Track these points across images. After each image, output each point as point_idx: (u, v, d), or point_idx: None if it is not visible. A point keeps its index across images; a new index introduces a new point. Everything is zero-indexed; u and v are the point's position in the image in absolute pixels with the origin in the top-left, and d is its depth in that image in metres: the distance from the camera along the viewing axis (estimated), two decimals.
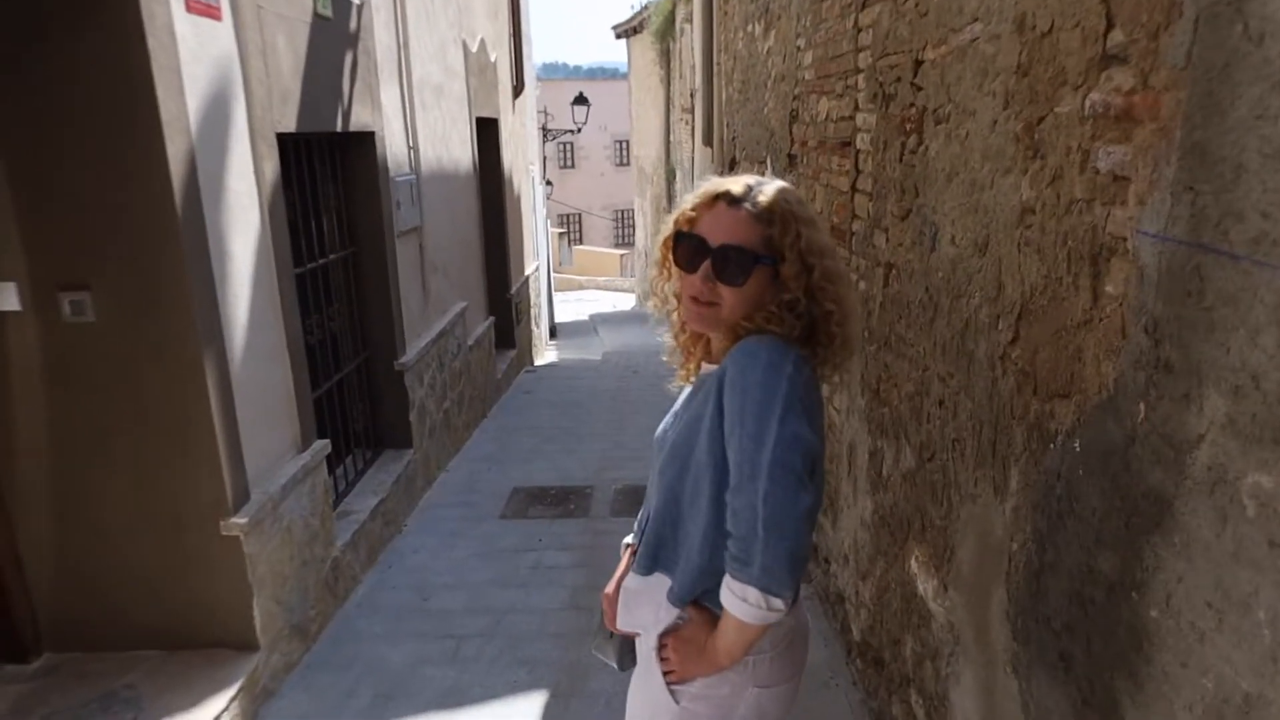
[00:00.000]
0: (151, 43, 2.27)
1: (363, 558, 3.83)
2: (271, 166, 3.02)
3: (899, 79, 2.35)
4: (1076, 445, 1.33)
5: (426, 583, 3.80)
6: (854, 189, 2.82)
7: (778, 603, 1.19)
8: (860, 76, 2.72)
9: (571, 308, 17.50)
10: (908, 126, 2.30)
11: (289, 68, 3.18)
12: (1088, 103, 1.31)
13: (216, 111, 2.65)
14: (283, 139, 3.25)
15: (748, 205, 1.31)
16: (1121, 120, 1.21)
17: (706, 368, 1.44)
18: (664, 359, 1.59)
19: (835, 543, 3.21)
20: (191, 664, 2.71)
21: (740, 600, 1.21)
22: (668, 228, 1.39)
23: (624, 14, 15.90)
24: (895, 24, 2.36)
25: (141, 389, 2.55)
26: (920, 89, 2.19)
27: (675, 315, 1.48)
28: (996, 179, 1.74)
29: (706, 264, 1.31)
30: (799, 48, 3.64)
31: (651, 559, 1.45)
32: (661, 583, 1.43)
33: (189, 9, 2.48)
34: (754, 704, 1.38)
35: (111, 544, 2.70)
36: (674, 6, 12.81)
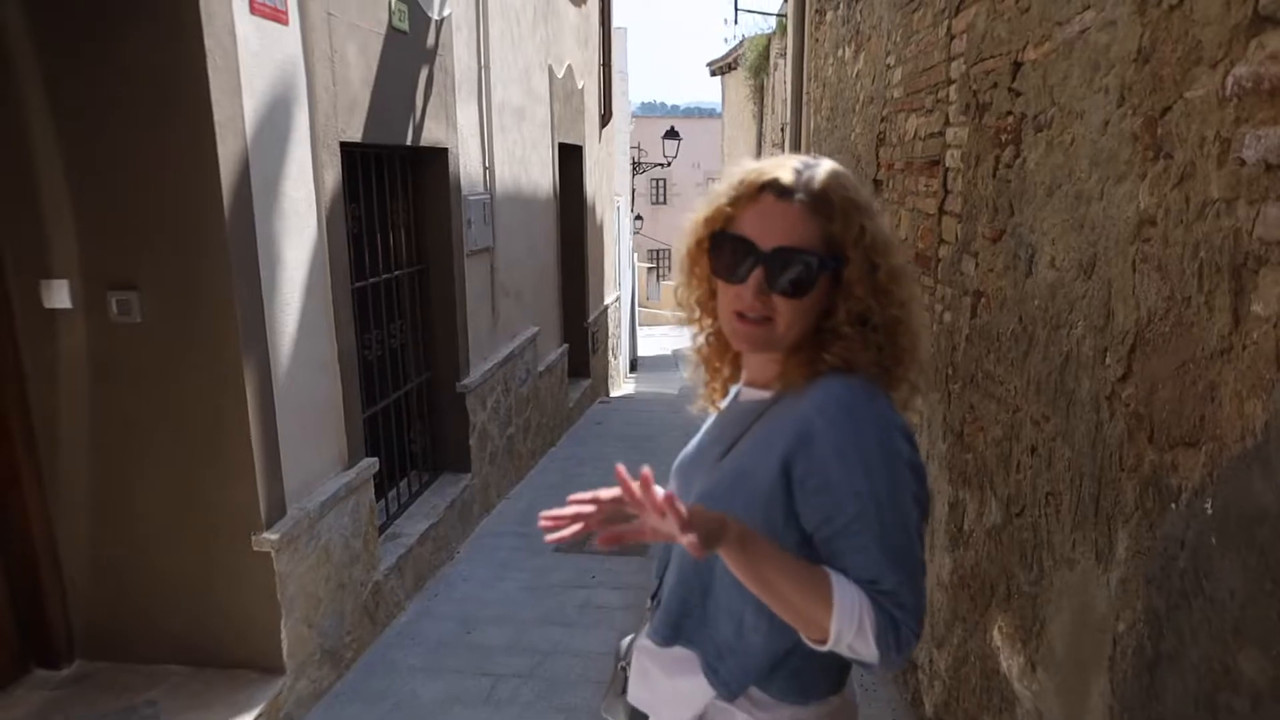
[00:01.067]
0: (209, 41, 2.24)
1: (408, 584, 3.70)
2: (333, 175, 2.97)
3: (995, 85, 2.10)
4: (1208, 507, 1.05)
5: (471, 615, 3.64)
6: (941, 211, 2.56)
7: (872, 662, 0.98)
8: (952, 88, 2.48)
9: (656, 342, 17.40)
10: (1003, 138, 2.04)
11: (358, 77, 3.15)
12: (1230, 80, 1.05)
13: (276, 116, 2.61)
14: (350, 149, 3.21)
15: (801, 196, 1.05)
16: (1279, 94, 0.95)
17: (750, 394, 1.18)
18: (685, 377, 1.36)
19: None
20: (214, 684, 2.60)
21: (858, 631, 0.96)
22: (697, 225, 1.14)
23: (720, 52, 15.94)
24: (992, 25, 2.12)
25: (182, 392, 2.49)
26: (1019, 94, 1.94)
27: (698, 327, 1.25)
28: (1108, 188, 1.48)
29: (759, 273, 1.04)
30: (888, 65, 3.41)
31: (673, 628, 1.20)
32: (685, 661, 1.18)
33: (253, 10, 2.45)
34: None
35: (147, 550, 2.64)
36: (769, 42, 12.74)
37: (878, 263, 1.06)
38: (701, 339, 1.25)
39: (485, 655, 3.29)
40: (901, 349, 1.08)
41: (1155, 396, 1.25)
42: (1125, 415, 1.37)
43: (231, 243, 2.38)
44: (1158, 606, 1.20)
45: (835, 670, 1.14)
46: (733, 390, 1.25)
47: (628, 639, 1.39)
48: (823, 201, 1.05)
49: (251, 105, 2.46)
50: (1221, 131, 1.07)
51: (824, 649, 0.98)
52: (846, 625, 0.95)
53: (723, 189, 1.11)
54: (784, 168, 1.08)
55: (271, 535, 2.56)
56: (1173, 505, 1.17)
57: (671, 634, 1.20)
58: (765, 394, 1.15)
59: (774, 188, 1.07)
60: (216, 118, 2.28)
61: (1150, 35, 1.31)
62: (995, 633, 2.01)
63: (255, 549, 2.56)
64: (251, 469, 2.51)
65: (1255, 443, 0.95)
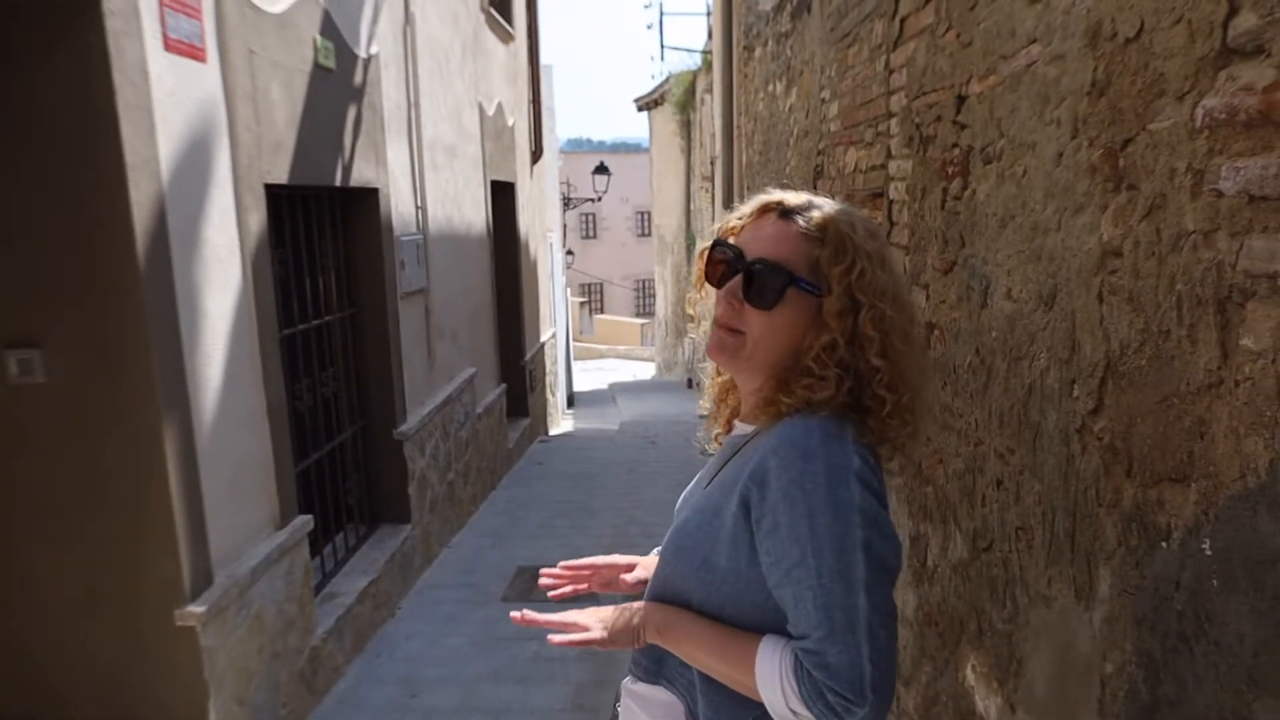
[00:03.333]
0: (118, 78, 2.09)
1: (348, 646, 3.49)
2: (258, 219, 2.82)
3: (938, 118, 2.11)
4: (1206, 547, 1.02)
5: (416, 675, 3.45)
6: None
7: None
8: (893, 121, 2.49)
9: (591, 376, 17.29)
10: (950, 170, 2.05)
11: (283, 117, 3.01)
12: (1200, 112, 1.04)
13: (194, 157, 2.46)
14: (275, 191, 3.06)
15: (800, 220, 1.05)
16: (1258, 125, 0.94)
17: (739, 427, 1.15)
18: (700, 414, 1.30)
19: None
20: None
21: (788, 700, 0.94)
22: (711, 236, 1.15)
23: (646, 88, 16.20)
24: (933, 59, 2.14)
25: (94, 457, 2.29)
26: (964, 127, 1.95)
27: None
28: (1065, 219, 1.47)
29: (737, 280, 1.05)
30: (823, 100, 3.44)
31: (657, 664, 1.16)
32: (669, 705, 1.14)
33: (167, 47, 2.31)
34: None
35: (58, 632, 2.41)
36: (694, 78, 12.96)
37: (862, 301, 1.01)
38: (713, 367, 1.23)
39: None
40: (879, 400, 1.03)
41: (1134, 430, 1.23)
42: (1099, 449, 1.35)
43: (147, 293, 2.22)
44: (1151, 649, 1.17)
45: None
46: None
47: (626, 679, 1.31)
48: (818, 228, 1.05)
49: (168, 146, 2.31)
50: (1194, 163, 1.05)
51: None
52: (773, 694, 0.95)
53: (743, 208, 1.14)
54: (799, 196, 1.09)
55: (196, 608, 2.37)
56: (1163, 544, 1.13)
57: (654, 670, 1.16)
58: (749, 428, 1.12)
59: (778, 208, 1.09)
60: (128, 160, 2.13)
61: (1105, 68, 1.31)
62: (968, 671, 1.96)
63: (179, 623, 2.36)
64: (173, 537, 2.32)
65: (1259, 482, 0.92)
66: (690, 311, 1.29)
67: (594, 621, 1.12)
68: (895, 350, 1.02)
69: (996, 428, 1.78)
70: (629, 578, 1.30)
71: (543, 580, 1.28)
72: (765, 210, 1.10)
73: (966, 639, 1.97)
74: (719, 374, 1.24)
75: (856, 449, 0.98)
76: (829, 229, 1.03)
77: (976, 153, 1.88)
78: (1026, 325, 1.63)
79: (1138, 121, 1.21)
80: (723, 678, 1.02)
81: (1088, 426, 1.39)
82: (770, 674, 0.95)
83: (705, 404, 1.31)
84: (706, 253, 1.12)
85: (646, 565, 1.31)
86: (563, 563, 1.30)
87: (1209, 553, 1.02)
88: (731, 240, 1.11)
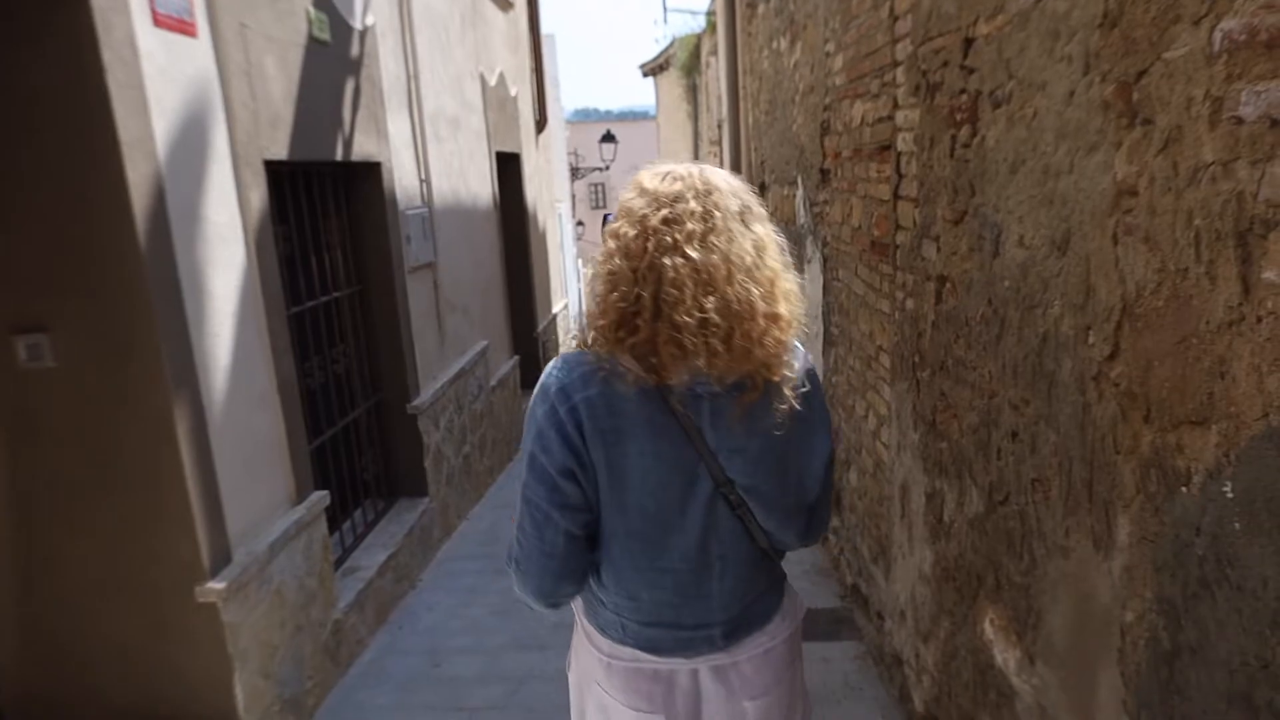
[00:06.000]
0: (107, 55, 2.06)
1: (370, 619, 3.53)
2: (259, 196, 2.80)
3: (945, 64, 2.04)
4: (1228, 490, 0.99)
5: (439, 646, 3.48)
6: (896, 196, 2.51)
7: None
8: (899, 70, 2.43)
9: None
10: (958, 117, 1.99)
11: (280, 91, 2.98)
12: (1218, 35, 0.99)
13: (191, 135, 2.44)
14: (276, 168, 3.04)
15: None
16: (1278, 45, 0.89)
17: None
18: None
19: (889, 596, 2.83)
20: None
21: None
22: None
23: (651, 54, 15.97)
24: (938, 2, 2.07)
25: (108, 441, 2.30)
26: (972, 71, 1.89)
27: None
28: (1078, 160, 1.42)
29: None
30: (828, 53, 3.36)
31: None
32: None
33: (157, 23, 2.28)
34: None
35: (81, 612, 2.44)
36: (699, 41, 12.73)
37: None
38: None
39: (456, 688, 3.14)
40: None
41: (1151, 374, 1.19)
42: (1116, 395, 1.31)
43: (149, 273, 2.21)
44: (1172, 595, 1.14)
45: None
46: None
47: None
48: None
49: (162, 125, 2.29)
50: (1211, 90, 1.01)
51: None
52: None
53: None
54: None
55: (216, 585, 2.39)
56: (1182, 488, 1.10)
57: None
58: None
59: None
60: (122, 138, 2.11)
61: None
62: (986, 625, 1.95)
63: (200, 600, 2.38)
64: (189, 516, 2.33)
65: None
66: None
67: None
68: None
69: (1010, 379, 1.74)
70: None
71: None
72: None
73: (984, 593, 1.95)
74: None
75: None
76: None
77: (985, 97, 1.82)
78: (1039, 272, 1.59)
79: (1152, 51, 1.16)
80: None
81: (1104, 373, 1.35)
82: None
83: None
84: None
85: None
86: None
87: (1231, 495, 0.99)
88: None
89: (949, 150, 2.04)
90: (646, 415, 1.20)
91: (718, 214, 1.19)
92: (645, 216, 1.19)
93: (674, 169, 1.26)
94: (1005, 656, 1.83)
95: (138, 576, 2.39)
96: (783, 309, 1.22)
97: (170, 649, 2.43)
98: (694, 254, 1.15)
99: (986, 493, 1.92)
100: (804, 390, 1.27)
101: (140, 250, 2.17)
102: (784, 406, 1.23)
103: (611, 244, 1.22)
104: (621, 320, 1.18)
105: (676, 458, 1.23)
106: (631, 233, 1.19)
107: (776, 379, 1.22)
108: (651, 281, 1.16)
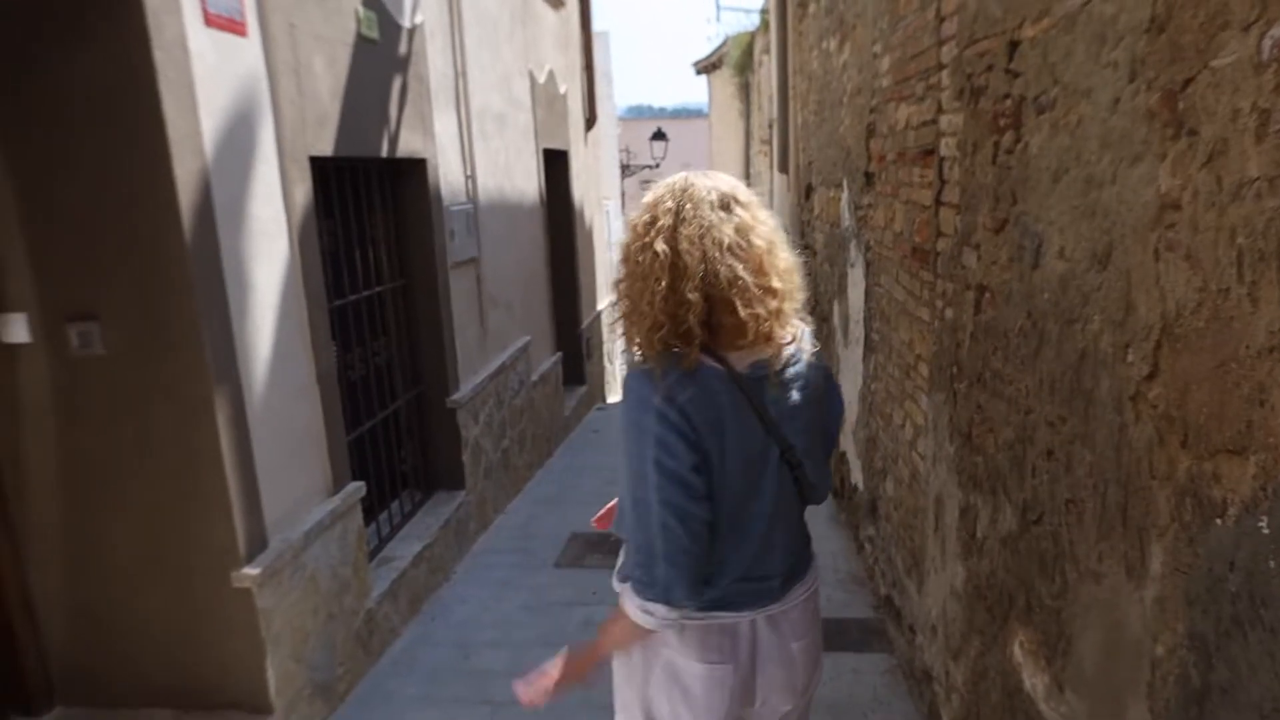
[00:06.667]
0: (159, 55, 2.12)
1: (403, 609, 3.58)
2: (304, 191, 2.85)
3: (990, 67, 1.98)
4: (1264, 525, 0.94)
5: (469, 638, 3.52)
6: (938, 202, 2.45)
7: None
8: (944, 73, 2.37)
9: None
10: (1002, 122, 1.93)
11: (327, 89, 3.03)
12: (1268, 43, 0.94)
13: (238, 132, 2.49)
14: (321, 164, 3.09)
15: None
16: None
17: None
18: None
19: (922, 610, 2.77)
20: None
21: None
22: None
23: (705, 51, 15.89)
24: (984, 4, 2.01)
25: (151, 427, 2.37)
26: (1017, 75, 1.83)
27: None
28: (1121, 171, 1.36)
29: None
30: (875, 54, 3.30)
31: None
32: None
33: (208, 22, 2.33)
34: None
35: (123, 593, 2.52)
36: (752, 39, 12.63)
37: None
38: None
39: (484, 681, 3.17)
40: None
41: (1189, 398, 1.14)
42: (1153, 417, 1.26)
43: (195, 266, 2.27)
44: (1204, 632, 1.09)
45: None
46: None
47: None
48: None
49: (210, 122, 2.34)
50: (1259, 101, 0.95)
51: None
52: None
53: None
54: None
55: (252, 570, 2.44)
56: (1217, 520, 1.05)
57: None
58: None
59: None
60: (171, 135, 2.16)
61: (1165, 1, 1.20)
62: (1016, 648, 1.89)
63: (235, 585, 2.44)
64: (227, 502, 2.39)
65: None
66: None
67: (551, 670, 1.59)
68: None
69: (1048, 395, 1.69)
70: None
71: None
72: None
73: (1015, 614, 1.89)
74: None
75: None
76: None
77: (1029, 102, 1.76)
78: (1079, 286, 1.53)
79: (1199, 59, 1.10)
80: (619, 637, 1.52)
81: (1141, 393, 1.30)
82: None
83: None
84: None
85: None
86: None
87: (1266, 531, 0.93)
88: None
89: (991, 156, 1.98)
90: (731, 401, 1.38)
91: (689, 205, 1.36)
92: (634, 225, 1.40)
93: (666, 180, 1.44)
94: (1034, 681, 1.78)
95: (176, 560, 2.46)
96: (774, 282, 1.37)
97: (206, 631, 2.50)
98: (661, 247, 1.33)
99: (1020, 511, 1.86)
100: (821, 360, 1.54)
101: (185, 244, 2.23)
102: (816, 376, 1.50)
103: (620, 260, 1.43)
104: (655, 325, 1.36)
105: (754, 435, 1.41)
106: (631, 241, 1.40)
107: (798, 352, 1.47)
108: (693, 286, 1.34)
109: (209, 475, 2.38)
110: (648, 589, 1.36)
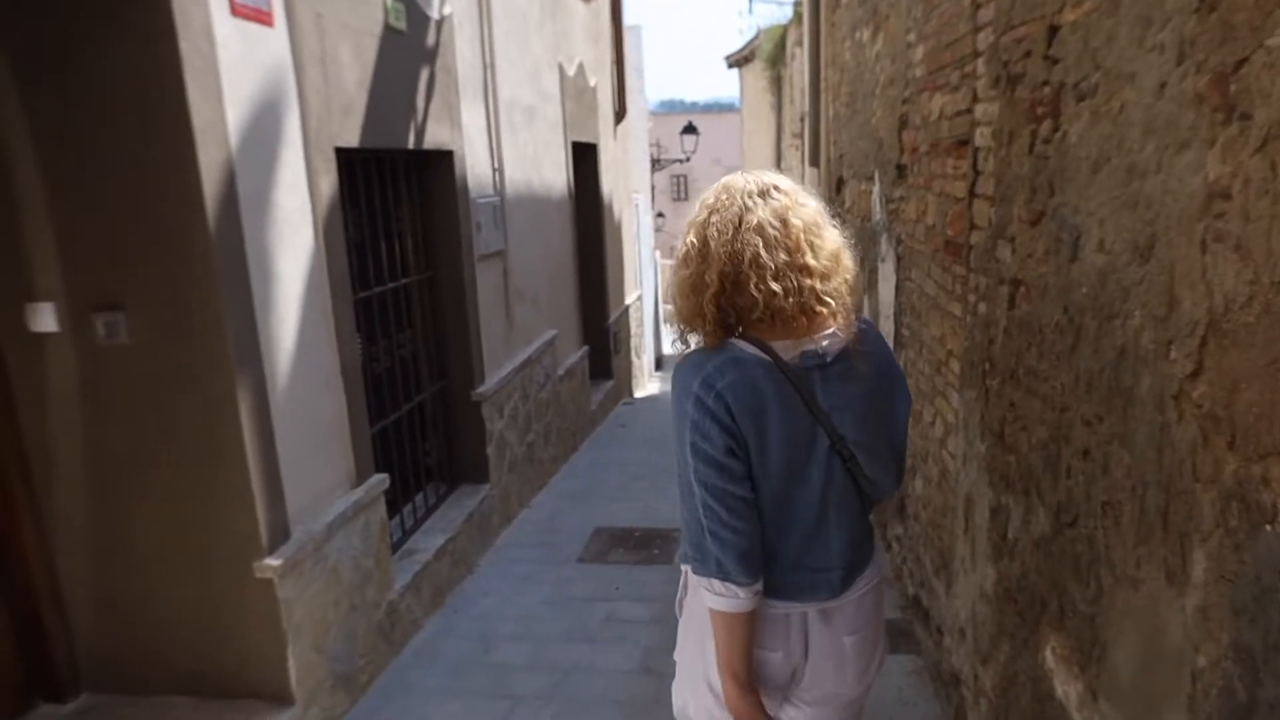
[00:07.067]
0: (184, 45, 2.12)
1: (426, 601, 3.58)
2: (329, 182, 2.85)
3: (1028, 54, 1.91)
4: None
5: (491, 632, 3.51)
6: (972, 194, 2.38)
7: None
8: (979, 61, 2.30)
9: None
10: (1039, 111, 1.86)
11: (353, 80, 3.03)
12: None
13: (263, 122, 2.50)
14: (347, 155, 3.09)
15: None
16: None
17: None
18: None
19: (950, 612, 2.71)
20: (221, 716, 2.50)
21: None
22: None
23: (737, 45, 15.80)
24: None
25: (175, 416, 2.38)
26: (1056, 61, 1.76)
27: None
28: (1166, 159, 1.30)
29: None
30: (909, 43, 3.22)
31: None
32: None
33: (234, 12, 2.33)
34: None
35: (147, 582, 2.54)
36: (784, 32, 12.50)
37: None
38: None
39: (505, 675, 3.16)
40: None
41: (1237, 397, 1.08)
42: (1198, 417, 1.20)
43: (219, 256, 2.27)
44: (1250, 644, 1.03)
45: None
46: None
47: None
48: None
49: (235, 111, 2.34)
50: None
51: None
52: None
53: None
54: None
55: (274, 561, 2.45)
56: (1266, 526, 0.99)
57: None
58: None
59: None
60: (195, 124, 2.17)
61: None
62: (1048, 653, 1.83)
63: (257, 575, 2.45)
64: (249, 493, 2.40)
65: None
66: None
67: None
68: None
69: (1084, 393, 1.62)
70: None
71: None
72: None
73: (1047, 619, 1.83)
74: None
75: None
76: None
77: (1069, 89, 1.69)
78: (1119, 280, 1.46)
79: (1253, 38, 1.04)
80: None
81: (1185, 392, 1.23)
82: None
83: None
84: None
85: None
86: None
87: None
88: None
89: (1028, 146, 1.92)
90: (775, 389, 1.39)
91: (725, 196, 1.42)
92: (698, 223, 1.45)
93: (723, 180, 1.49)
94: (1066, 688, 1.72)
95: (199, 550, 2.47)
96: (809, 259, 1.38)
97: (228, 620, 2.51)
98: (693, 238, 1.43)
99: (1054, 513, 1.80)
100: (882, 350, 1.53)
101: (209, 234, 2.23)
102: (880, 370, 1.50)
103: (682, 251, 1.46)
104: (689, 312, 1.42)
105: (799, 422, 1.42)
106: (692, 238, 1.44)
107: (855, 343, 1.45)
108: (714, 269, 1.38)
109: (232, 465, 2.39)
110: (701, 565, 1.42)
